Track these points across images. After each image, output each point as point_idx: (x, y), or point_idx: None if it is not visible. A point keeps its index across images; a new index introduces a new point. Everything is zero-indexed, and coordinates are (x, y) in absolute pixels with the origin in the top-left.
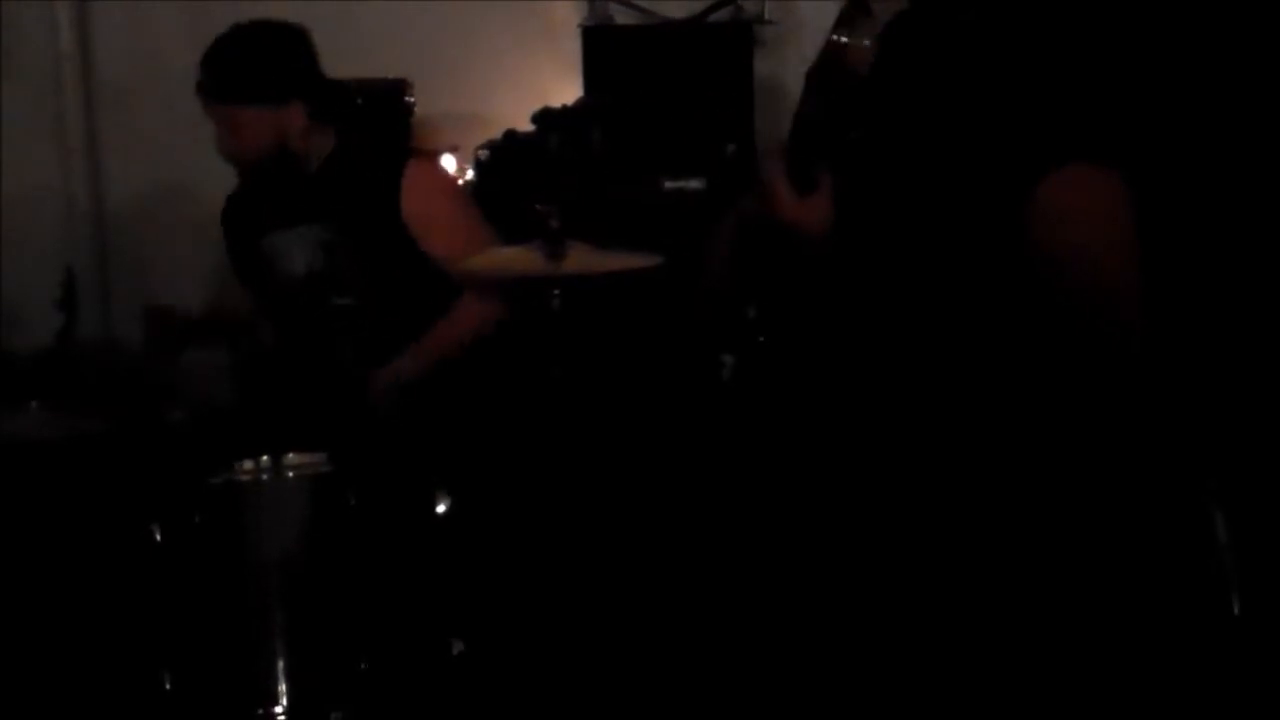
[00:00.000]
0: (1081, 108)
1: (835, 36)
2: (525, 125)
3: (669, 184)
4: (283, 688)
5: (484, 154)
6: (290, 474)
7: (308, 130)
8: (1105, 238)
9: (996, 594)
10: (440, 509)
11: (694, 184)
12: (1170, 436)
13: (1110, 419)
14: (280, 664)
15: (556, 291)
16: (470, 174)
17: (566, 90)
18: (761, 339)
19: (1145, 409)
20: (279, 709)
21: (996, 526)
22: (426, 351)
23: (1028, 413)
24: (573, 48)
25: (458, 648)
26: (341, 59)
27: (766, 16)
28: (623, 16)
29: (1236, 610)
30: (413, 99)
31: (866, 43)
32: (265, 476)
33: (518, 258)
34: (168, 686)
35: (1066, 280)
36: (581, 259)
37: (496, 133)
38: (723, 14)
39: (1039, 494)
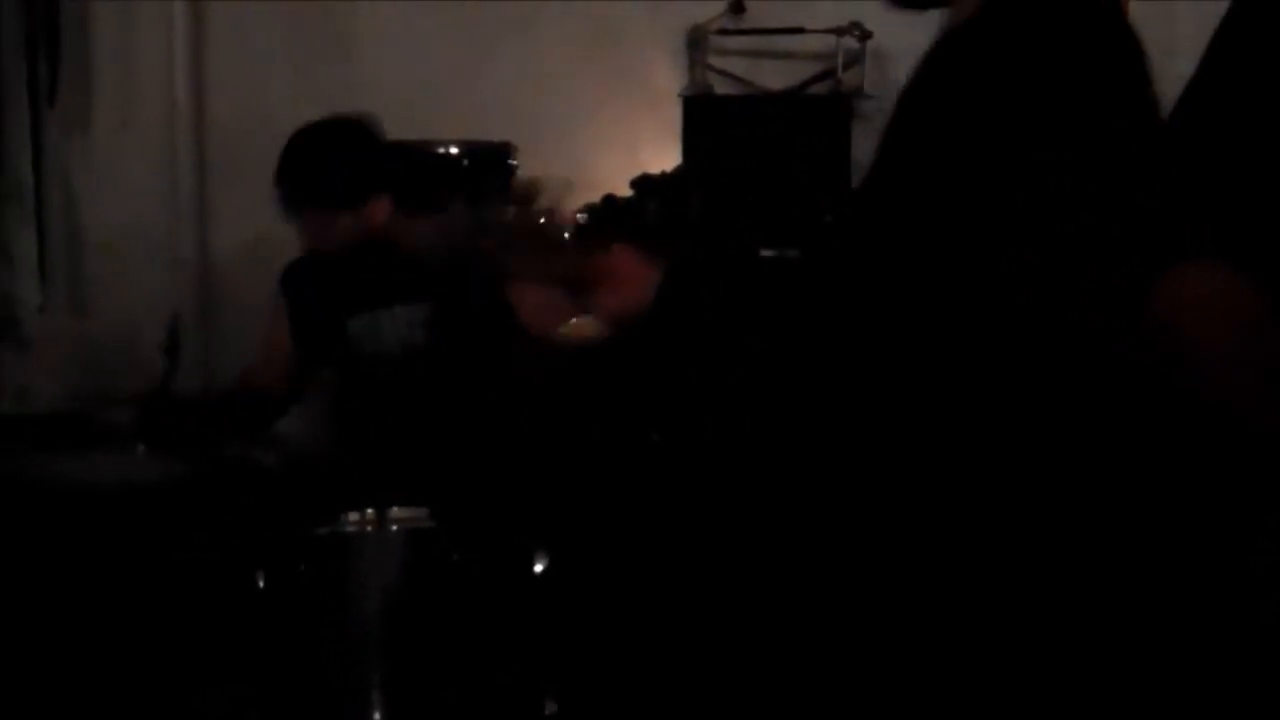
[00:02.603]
0: (1192, 198)
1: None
2: (624, 190)
3: (766, 254)
4: None
5: (582, 217)
6: (394, 527)
7: (395, 220)
8: (1233, 340)
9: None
10: (538, 568)
11: (791, 254)
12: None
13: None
14: (376, 716)
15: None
16: (568, 236)
17: (665, 157)
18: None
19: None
20: None
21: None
22: None
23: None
24: (673, 116)
25: (551, 708)
26: (448, 122)
27: (866, 90)
28: (722, 86)
29: None
30: (516, 162)
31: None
32: (370, 529)
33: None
34: None
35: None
36: None
37: (595, 196)
38: (822, 86)
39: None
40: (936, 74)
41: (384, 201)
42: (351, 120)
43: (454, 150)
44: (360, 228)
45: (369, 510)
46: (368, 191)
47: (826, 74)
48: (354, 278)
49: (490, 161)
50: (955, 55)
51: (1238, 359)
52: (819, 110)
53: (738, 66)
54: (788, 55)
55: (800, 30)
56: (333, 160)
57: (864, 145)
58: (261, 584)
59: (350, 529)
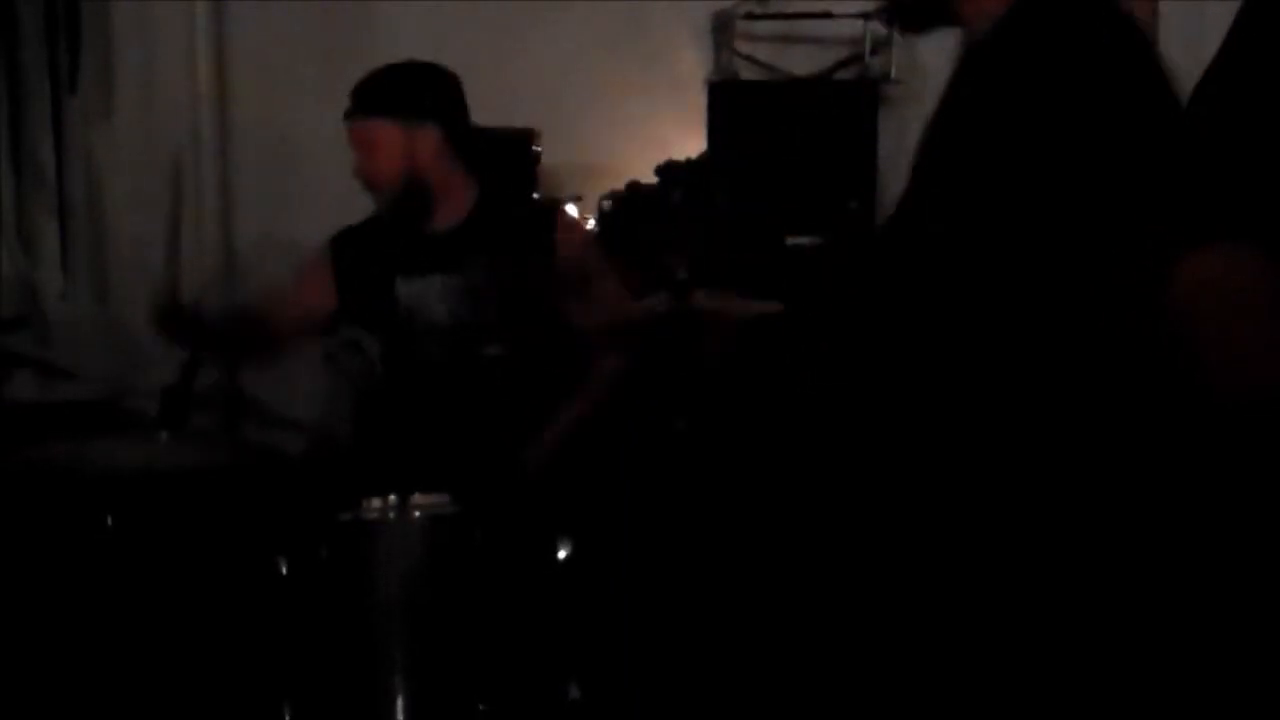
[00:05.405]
0: (1230, 181)
1: None
2: (648, 177)
3: (791, 240)
4: None
5: (607, 204)
6: (417, 513)
7: (440, 159)
8: (1255, 320)
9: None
10: (561, 555)
11: (816, 241)
12: None
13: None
14: (399, 702)
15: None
16: (592, 223)
17: (690, 143)
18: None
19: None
20: None
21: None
22: (578, 413)
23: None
24: (698, 101)
25: (574, 694)
26: (473, 108)
27: (893, 75)
28: (748, 72)
29: None
30: (540, 148)
31: None
32: (392, 515)
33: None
34: (288, 718)
35: (1213, 370)
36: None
37: (619, 183)
38: (849, 71)
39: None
40: (963, 85)
41: (436, 131)
42: (440, 66)
43: None
44: (408, 149)
45: (391, 496)
46: (422, 112)
47: (853, 59)
48: (403, 244)
49: (515, 148)
50: (979, 67)
51: (1254, 344)
52: (845, 96)
53: (764, 52)
54: (814, 40)
55: (827, 15)
56: (401, 75)
57: (891, 130)
58: (284, 570)
59: (372, 515)
